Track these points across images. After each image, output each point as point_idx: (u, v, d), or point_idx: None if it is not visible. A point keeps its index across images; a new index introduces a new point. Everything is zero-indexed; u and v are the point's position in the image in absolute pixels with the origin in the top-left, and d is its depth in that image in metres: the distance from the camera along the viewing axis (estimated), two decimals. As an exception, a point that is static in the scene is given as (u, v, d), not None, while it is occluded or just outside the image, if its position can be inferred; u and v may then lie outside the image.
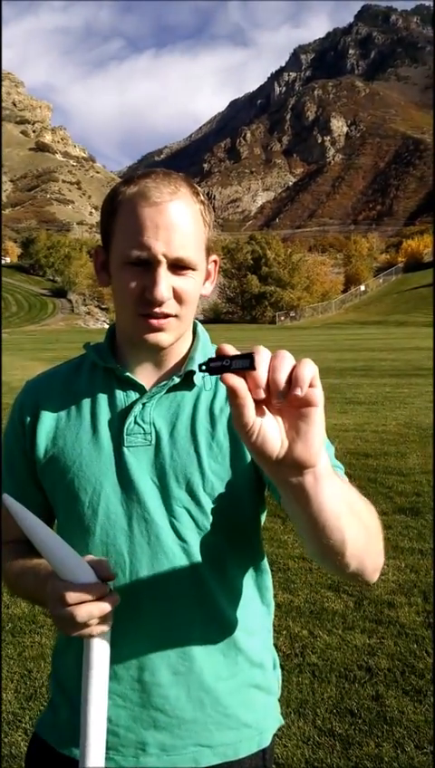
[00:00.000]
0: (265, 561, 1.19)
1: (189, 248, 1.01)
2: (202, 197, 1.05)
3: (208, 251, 1.09)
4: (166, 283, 1.00)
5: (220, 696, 1.08)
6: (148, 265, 1.00)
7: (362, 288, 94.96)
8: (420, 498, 5.57)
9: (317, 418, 0.72)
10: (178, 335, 1.08)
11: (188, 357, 1.12)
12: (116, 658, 1.01)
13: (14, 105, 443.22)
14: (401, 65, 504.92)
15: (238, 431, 0.72)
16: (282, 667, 1.18)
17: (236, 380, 0.68)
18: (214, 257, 1.12)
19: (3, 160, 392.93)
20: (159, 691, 1.04)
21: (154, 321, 1.02)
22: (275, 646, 1.24)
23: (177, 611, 1.05)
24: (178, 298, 1.03)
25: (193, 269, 1.03)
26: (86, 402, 1.11)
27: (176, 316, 1.04)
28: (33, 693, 2.88)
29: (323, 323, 72.96)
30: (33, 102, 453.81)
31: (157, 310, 1.01)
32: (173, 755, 1.06)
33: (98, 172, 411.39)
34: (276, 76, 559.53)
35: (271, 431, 0.72)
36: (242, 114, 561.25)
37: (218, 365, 0.70)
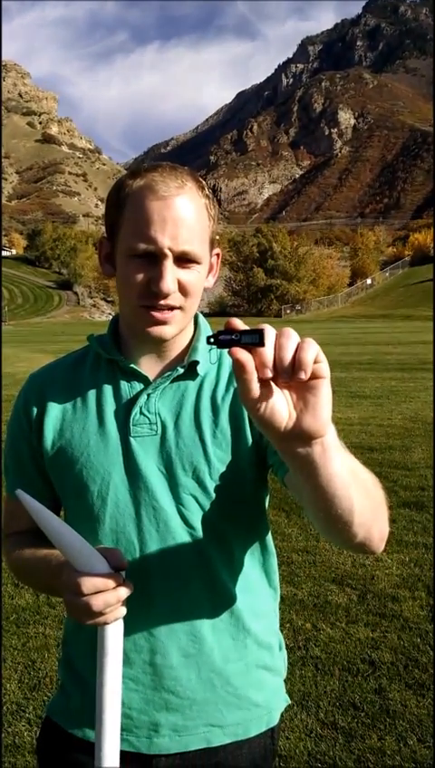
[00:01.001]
0: (271, 544, 1.21)
1: (195, 242, 1.02)
2: (207, 192, 1.06)
3: (212, 244, 1.10)
4: (171, 275, 1.02)
5: (230, 677, 1.11)
6: (154, 258, 1.01)
7: (369, 281, 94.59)
8: (425, 492, 5.56)
9: (324, 390, 0.73)
10: (181, 327, 1.09)
11: (190, 347, 1.14)
12: (128, 643, 1.04)
13: (21, 96, 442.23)
14: (409, 57, 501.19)
15: (245, 405, 0.73)
16: (285, 660, 1.22)
17: (244, 355, 0.70)
18: (217, 250, 1.13)
19: (9, 152, 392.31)
20: (171, 673, 1.07)
21: (158, 315, 1.04)
22: (279, 639, 1.28)
23: (186, 595, 1.08)
24: (182, 290, 1.04)
25: (198, 262, 1.05)
26: (91, 393, 1.13)
27: (180, 308, 1.06)
28: (37, 683, 2.89)
29: (329, 317, 72.72)
30: (40, 93, 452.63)
31: (162, 302, 1.03)
32: (185, 736, 1.09)
33: (104, 164, 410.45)
34: (284, 68, 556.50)
35: (278, 403, 0.73)
36: (249, 106, 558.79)
37: (227, 339, 0.71)
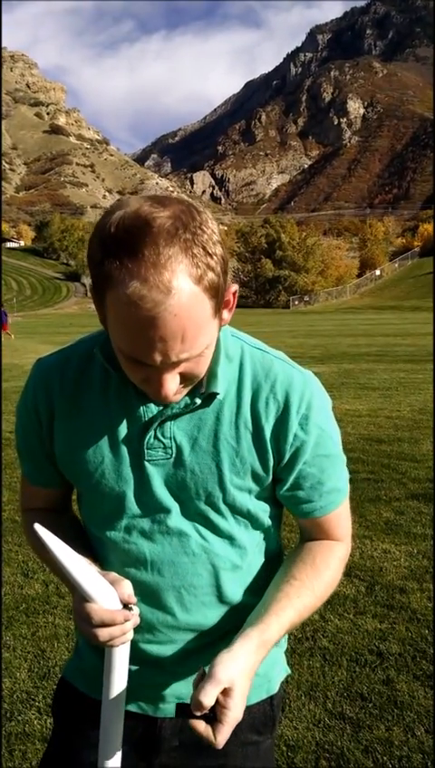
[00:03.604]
0: (282, 552, 1.25)
1: (194, 346, 0.91)
2: (208, 259, 0.88)
3: (225, 291, 0.96)
4: (169, 381, 0.94)
5: None
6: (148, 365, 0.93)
7: (378, 272, 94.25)
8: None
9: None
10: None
11: (209, 372, 1.04)
12: (139, 641, 1.10)
13: (28, 87, 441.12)
14: (419, 45, 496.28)
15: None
16: (293, 651, 1.32)
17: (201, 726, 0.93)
18: (234, 289, 1.00)
19: (17, 143, 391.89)
20: (176, 666, 1.14)
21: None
22: (286, 630, 1.36)
23: (195, 604, 1.11)
24: (186, 379, 0.98)
25: (202, 351, 0.95)
26: (103, 410, 1.09)
27: (189, 385, 1.01)
28: (47, 672, 2.91)
29: (338, 308, 72.51)
30: (48, 84, 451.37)
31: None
32: (188, 702, 1.10)
33: (112, 155, 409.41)
34: (292, 57, 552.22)
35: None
36: (257, 95, 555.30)
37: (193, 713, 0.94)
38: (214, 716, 0.94)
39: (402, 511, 4.93)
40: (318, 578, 1.11)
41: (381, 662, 2.94)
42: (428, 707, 2.62)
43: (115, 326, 0.91)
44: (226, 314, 1.00)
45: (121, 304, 0.86)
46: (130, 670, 1.06)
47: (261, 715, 1.21)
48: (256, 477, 1.08)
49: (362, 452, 6.65)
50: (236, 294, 1.02)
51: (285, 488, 1.11)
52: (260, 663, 1.01)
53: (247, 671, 0.98)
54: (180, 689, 1.15)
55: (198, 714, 0.93)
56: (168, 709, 1.15)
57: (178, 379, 0.95)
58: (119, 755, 1.05)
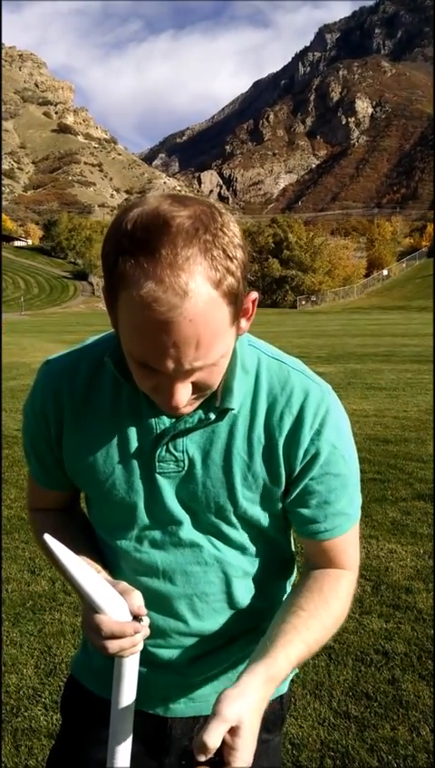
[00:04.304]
0: (294, 558, 1.24)
1: (208, 354, 0.87)
2: (227, 261, 0.83)
3: (244, 299, 0.91)
4: (181, 391, 0.90)
5: (241, 660, 1.16)
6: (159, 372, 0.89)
7: (385, 272, 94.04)
8: (440, 485, 5.54)
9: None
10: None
11: (224, 386, 1.01)
12: (149, 646, 1.09)
13: (37, 86, 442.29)
14: (428, 45, 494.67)
15: None
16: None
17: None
18: (253, 297, 0.94)
19: (25, 142, 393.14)
20: (186, 668, 1.14)
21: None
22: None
23: (207, 611, 1.11)
24: (200, 388, 0.93)
25: (215, 362, 0.90)
26: (114, 418, 1.06)
27: (201, 396, 0.97)
28: (53, 669, 2.93)
29: (345, 308, 72.41)
30: (56, 83, 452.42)
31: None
32: (199, 703, 1.16)
33: (120, 154, 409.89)
34: (301, 56, 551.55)
35: None
36: (265, 95, 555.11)
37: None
38: (221, 760, 0.83)
39: (409, 511, 4.92)
40: (326, 609, 1.06)
41: (387, 661, 2.94)
42: (433, 707, 2.62)
43: (127, 328, 0.86)
44: (244, 323, 0.95)
45: (134, 305, 0.82)
46: (139, 672, 1.03)
47: (271, 715, 1.18)
48: (267, 490, 1.07)
49: (369, 452, 6.65)
50: (256, 302, 0.96)
51: (290, 501, 1.09)
52: (268, 699, 0.95)
53: (257, 707, 0.91)
54: (190, 690, 1.16)
55: (203, 758, 0.81)
56: (177, 709, 1.16)
57: (190, 388, 0.91)
58: (128, 757, 1.03)
